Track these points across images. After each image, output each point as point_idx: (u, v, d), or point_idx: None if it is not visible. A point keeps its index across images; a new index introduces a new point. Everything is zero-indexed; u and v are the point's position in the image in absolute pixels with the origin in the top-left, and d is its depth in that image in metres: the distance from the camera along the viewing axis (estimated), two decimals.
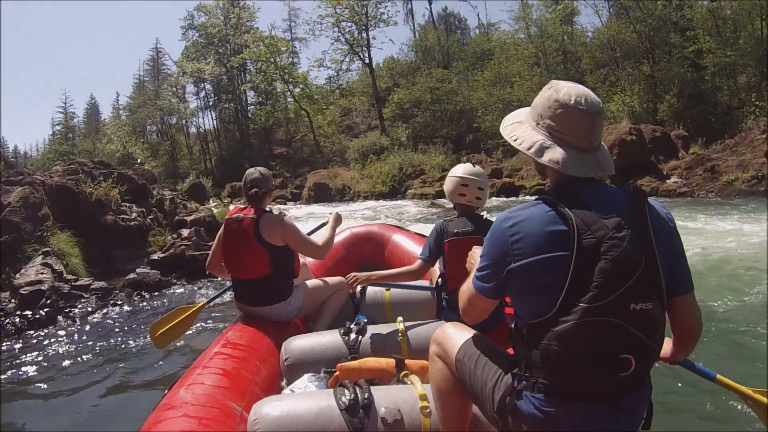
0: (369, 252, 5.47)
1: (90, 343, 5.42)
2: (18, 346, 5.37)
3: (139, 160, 31.35)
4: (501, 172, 24.63)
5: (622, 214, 1.61)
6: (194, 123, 52.22)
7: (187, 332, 4.74)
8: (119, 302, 6.80)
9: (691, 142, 22.16)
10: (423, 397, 2.32)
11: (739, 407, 3.22)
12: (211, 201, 18.40)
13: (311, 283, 4.00)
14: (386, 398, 2.33)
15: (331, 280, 4.05)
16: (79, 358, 4.99)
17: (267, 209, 3.81)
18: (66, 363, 4.88)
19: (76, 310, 6.32)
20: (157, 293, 7.41)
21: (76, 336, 5.66)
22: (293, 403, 2.32)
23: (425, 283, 3.90)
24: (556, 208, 1.65)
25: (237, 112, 47.79)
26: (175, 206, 11.45)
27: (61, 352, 5.19)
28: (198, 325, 5.43)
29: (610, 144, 18.34)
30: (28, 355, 5.08)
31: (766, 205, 12.52)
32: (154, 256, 8.60)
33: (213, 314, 5.93)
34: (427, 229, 3.88)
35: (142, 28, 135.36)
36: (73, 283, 6.83)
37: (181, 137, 52.16)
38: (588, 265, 1.54)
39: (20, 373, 4.68)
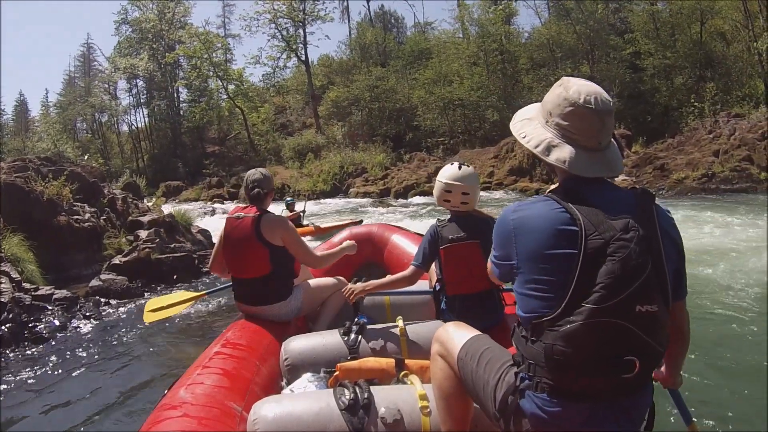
0: (369, 252, 5.44)
1: (79, 349, 5.17)
2: None
3: (86, 157, 29.93)
4: None
5: (630, 216, 1.60)
6: (126, 120, 50.69)
7: (187, 332, 4.92)
8: (88, 313, 6.13)
9: (632, 141, 22.78)
10: (423, 397, 2.33)
11: (736, 410, 3.35)
12: (146, 201, 17.58)
13: (311, 282, 3.98)
14: (386, 398, 2.34)
15: (331, 279, 4.06)
16: (70, 364, 4.82)
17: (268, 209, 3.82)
18: (58, 370, 4.72)
19: (42, 325, 5.64)
20: (126, 301, 6.77)
21: (59, 346, 5.32)
22: (293, 403, 2.33)
23: (424, 285, 3.85)
24: (564, 206, 1.64)
25: (169, 110, 46.44)
26: (128, 206, 10.69)
27: (48, 361, 4.92)
28: (197, 324, 5.39)
29: None
30: (12, 367, 4.80)
31: (767, 204, 12.87)
32: (115, 260, 7.90)
33: (213, 314, 5.70)
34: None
35: (72, 23, 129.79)
36: (33, 293, 6.12)
37: (112, 135, 50.35)
38: (594, 266, 1.53)
39: (12, 382, 4.51)
